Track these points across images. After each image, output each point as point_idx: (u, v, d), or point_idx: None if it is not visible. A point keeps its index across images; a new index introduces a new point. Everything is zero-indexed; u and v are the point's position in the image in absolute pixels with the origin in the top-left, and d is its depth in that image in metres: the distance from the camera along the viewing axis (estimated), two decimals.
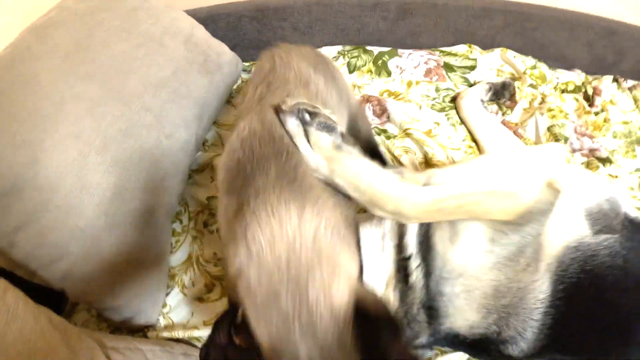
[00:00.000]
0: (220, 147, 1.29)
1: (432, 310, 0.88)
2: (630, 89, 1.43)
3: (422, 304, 0.88)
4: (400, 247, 0.84)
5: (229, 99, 1.37)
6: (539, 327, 0.90)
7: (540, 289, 0.89)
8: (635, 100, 1.41)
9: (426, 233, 0.83)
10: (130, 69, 1.06)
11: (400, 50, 1.43)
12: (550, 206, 0.82)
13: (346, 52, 1.44)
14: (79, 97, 0.97)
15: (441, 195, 0.78)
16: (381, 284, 0.85)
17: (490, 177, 0.81)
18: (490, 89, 1.37)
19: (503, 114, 1.36)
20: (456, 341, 0.91)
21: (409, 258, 0.84)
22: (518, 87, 1.39)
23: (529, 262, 0.82)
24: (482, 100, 1.36)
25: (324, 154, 0.79)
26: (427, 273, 0.85)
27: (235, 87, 1.40)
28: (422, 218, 0.80)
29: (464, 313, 0.87)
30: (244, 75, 1.43)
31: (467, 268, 0.84)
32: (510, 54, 1.45)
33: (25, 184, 0.88)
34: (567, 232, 0.84)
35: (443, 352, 1.03)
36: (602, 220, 0.95)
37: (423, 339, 0.92)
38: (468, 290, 0.84)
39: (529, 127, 1.35)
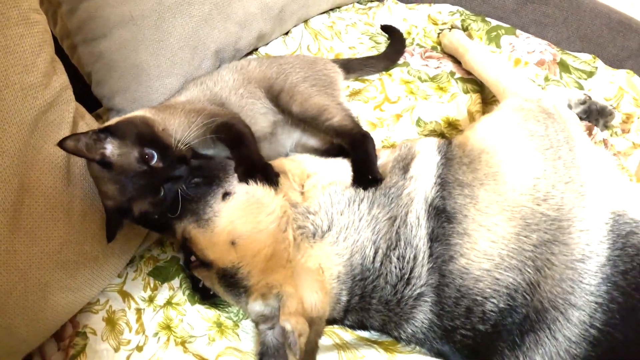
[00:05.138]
0: None
1: (440, 214, 0.80)
2: None
3: (426, 201, 0.81)
4: None
5: None
6: (592, 303, 0.73)
7: (589, 238, 0.76)
8: None
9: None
10: None
11: (518, 31, 1.31)
12: None
13: (465, 16, 1.34)
14: None
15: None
16: None
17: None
18: (584, 102, 1.19)
19: (609, 131, 1.21)
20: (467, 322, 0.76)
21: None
22: (638, 117, 1.24)
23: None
24: (569, 106, 1.19)
25: None
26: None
27: None
28: None
29: (485, 216, 0.77)
30: None
31: None
32: (637, 79, 1.30)
33: None
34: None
35: None
36: None
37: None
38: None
39: (632, 158, 1.20)
